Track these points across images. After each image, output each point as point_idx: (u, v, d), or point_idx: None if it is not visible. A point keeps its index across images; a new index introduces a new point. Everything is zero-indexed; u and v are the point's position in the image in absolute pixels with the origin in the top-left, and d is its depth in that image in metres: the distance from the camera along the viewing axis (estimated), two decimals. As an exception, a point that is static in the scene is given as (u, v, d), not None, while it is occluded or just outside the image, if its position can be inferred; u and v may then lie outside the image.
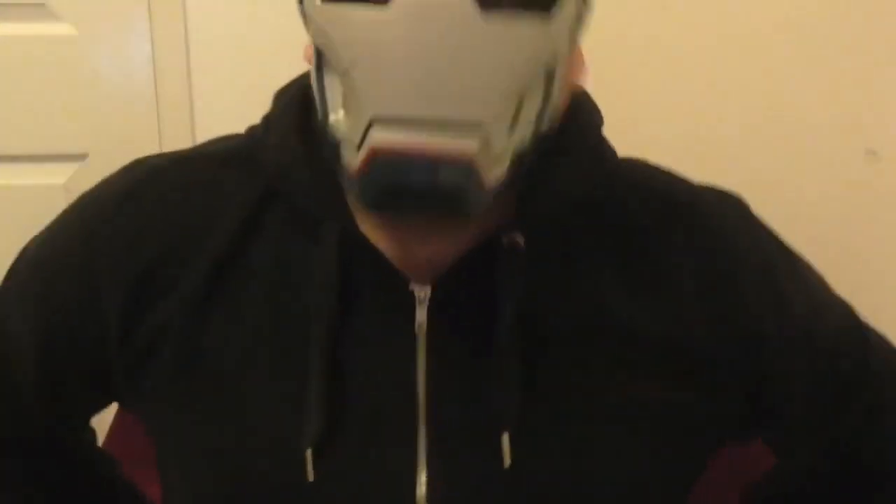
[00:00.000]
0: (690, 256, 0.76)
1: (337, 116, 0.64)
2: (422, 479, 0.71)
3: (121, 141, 1.62)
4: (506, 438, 0.70)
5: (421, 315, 0.72)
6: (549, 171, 0.72)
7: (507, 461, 0.70)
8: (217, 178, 0.77)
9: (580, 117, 0.75)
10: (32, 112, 1.62)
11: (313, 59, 0.67)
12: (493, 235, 0.71)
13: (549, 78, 0.64)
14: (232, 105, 1.60)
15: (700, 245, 0.77)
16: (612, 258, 0.75)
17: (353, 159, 0.62)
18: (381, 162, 0.60)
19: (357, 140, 0.61)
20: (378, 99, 0.60)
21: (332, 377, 0.71)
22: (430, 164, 0.59)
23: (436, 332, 0.72)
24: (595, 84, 1.55)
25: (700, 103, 1.59)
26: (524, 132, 0.64)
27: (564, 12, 0.64)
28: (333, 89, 0.65)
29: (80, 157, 1.64)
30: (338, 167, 0.65)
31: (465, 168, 0.59)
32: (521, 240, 0.70)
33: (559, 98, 0.67)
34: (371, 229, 0.72)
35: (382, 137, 0.60)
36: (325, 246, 0.71)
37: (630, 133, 1.48)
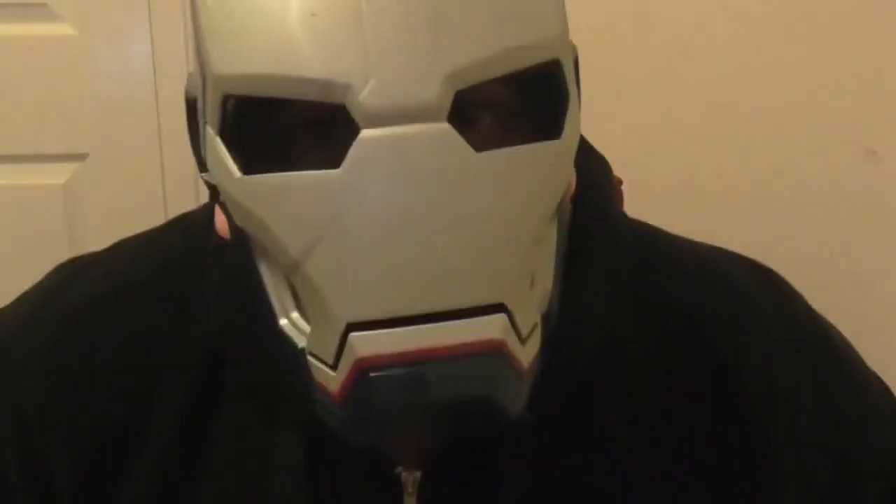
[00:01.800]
0: (705, 402, 0.62)
1: (289, 320, 0.48)
2: None
3: (121, 141, 1.62)
4: None
5: None
6: (559, 338, 0.54)
7: None
8: (153, 330, 0.62)
9: (585, 238, 0.58)
10: (32, 112, 1.61)
11: (235, 242, 0.50)
12: None
13: (562, 204, 0.50)
14: (232, 105, 1.59)
15: (716, 386, 0.63)
16: (622, 414, 0.61)
17: (328, 380, 0.46)
18: (375, 381, 0.44)
19: (330, 355, 0.45)
20: (352, 299, 0.44)
21: None
22: (445, 367, 0.43)
23: None
24: (595, 85, 1.55)
25: (700, 103, 1.59)
26: (545, 283, 0.49)
27: (572, 127, 0.49)
28: (276, 287, 0.48)
29: (80, 157, 1.63)
30: (301, 378, 0.48)
31: (496, 358, 0.44)
32: (528, 416, 0.53)
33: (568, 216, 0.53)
34: None
35: (370, 345, 0.44)
36: (287, 433, 0.58)
37: (630, 135, 1.49)
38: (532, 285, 0.48)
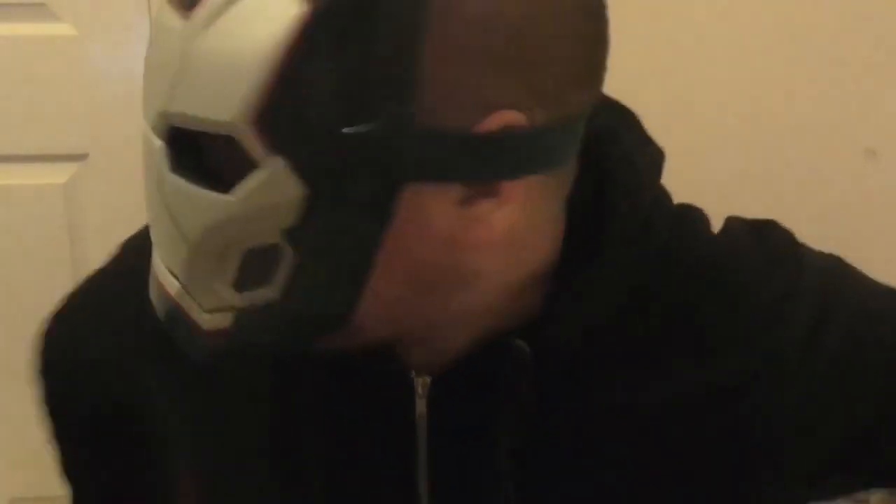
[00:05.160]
0: (699, 384, 0.68)
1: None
2: None
3: (121, 141, 1.62)
4: None
5: (421, 406, 0.68)
6: (578, 290, 0.65)
7: None
8: None
9: (617, 199, 0.66)
10: (32, 112, 1.62)
11: None
12: (505, 336, 0.65)
13: (295, 246, 0.55)
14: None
15: (708, 362, 0.68)
16: (627, 368, 0.68)
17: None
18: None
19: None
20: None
21: (330, 477, 0.69)
22: (161, 300, 0.61)
23: (436, 425, 0.68)
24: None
25: (700, 103, 1.59)
26: (271, 295, 0.57)
27: (255, 192, 0.53)
28: None
29: (80, 157, 1.63)
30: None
31: (174, 307, 0.59)
32: (527, 349, 0.64)
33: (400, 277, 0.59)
34: None
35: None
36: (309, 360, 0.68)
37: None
38: (241, 285, 0.57)
